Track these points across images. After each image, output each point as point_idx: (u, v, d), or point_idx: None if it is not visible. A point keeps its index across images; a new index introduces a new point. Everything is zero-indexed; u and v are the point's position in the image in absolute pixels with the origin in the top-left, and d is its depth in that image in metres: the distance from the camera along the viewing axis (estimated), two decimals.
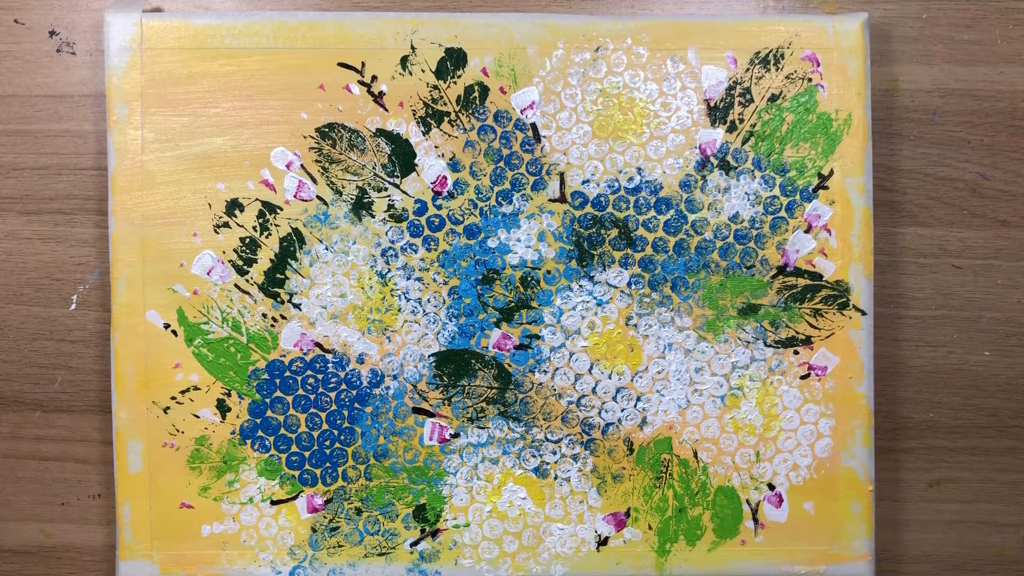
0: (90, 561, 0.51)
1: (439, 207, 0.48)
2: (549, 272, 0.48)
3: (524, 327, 0.49)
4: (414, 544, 0.49)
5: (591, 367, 0.49)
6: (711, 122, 0.48)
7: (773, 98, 0.48)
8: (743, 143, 0.48)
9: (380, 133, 0.48)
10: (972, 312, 0.51)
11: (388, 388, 0.49)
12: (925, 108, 0.50)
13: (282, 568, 0.49)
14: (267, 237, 0.48)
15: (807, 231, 0.48)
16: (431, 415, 0.49)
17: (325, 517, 0.49)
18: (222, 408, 0.48)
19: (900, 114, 0.50)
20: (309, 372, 0.48)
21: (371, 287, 0.48)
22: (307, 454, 0.49)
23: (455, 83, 0.48)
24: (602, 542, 0.49)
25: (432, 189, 0.48)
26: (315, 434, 0.49)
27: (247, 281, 0.48)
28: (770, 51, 0.48)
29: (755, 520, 0.49)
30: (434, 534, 0.49)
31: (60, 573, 0.51)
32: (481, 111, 0.48)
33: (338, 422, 0.49)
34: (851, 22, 0.48)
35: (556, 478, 0.49)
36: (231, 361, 0.48)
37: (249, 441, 0.48)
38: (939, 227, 0.50)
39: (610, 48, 0.48)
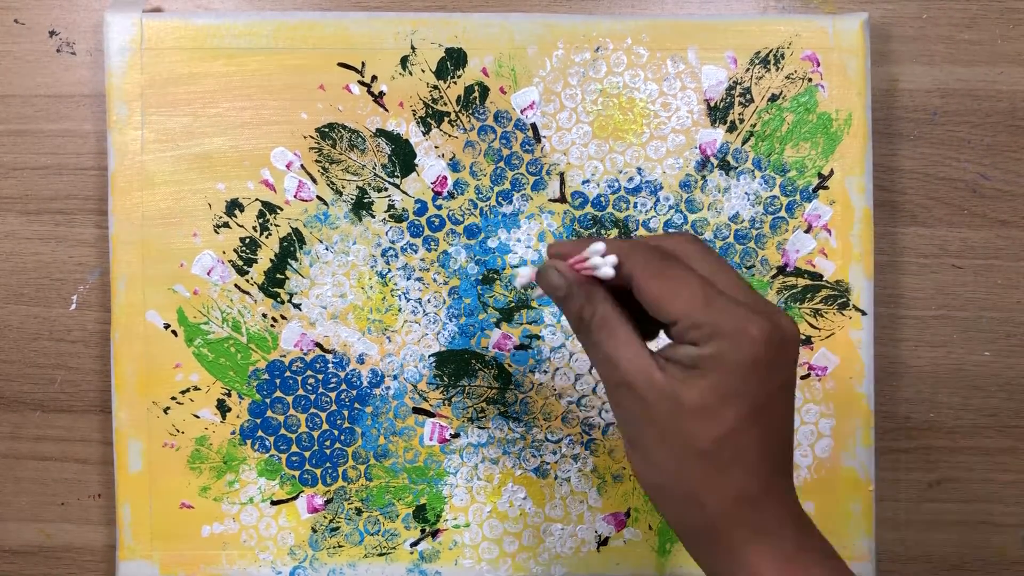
0: (90, 561, 0.51)
1: (439, 207, 0.48)
2: None
3: (524, 327, 0.49)
4: (414, 544, 0.49)
5: (591, 367, 0.49)
6: (711, 122, 0.48)
7: (773, 98, 0.48)
8: (743, 143, 0.48)
9: (380, 133, 0.48)
10: (972, 312, 0.51)
11: (388, 388, 0.49)
12: (925, 108, 0.50)
13: (282, 568, 0.49)
14: (267, 237, 0.48)
15: (807, 231, 0.48)
16: (431, 415, 0.49)
17: (325, 517, 0.49)
18: (222, 408, 0.48)
19: (900, 114, 0.50)
20: (309, 372, 0.48)
21: (371, 287, 0.48)
22: (307, 454, 0.49)
23: (455, 83, 0.48)
24: (602, 542, 0.49)
25: (432, 189, 0.48)
26: (315, 434, 0.49)
27: (247, 281, 0.48)
28: (770, 51, 0.48)
29: None
30: (434, 534, 0.49)
31: (60, 573, 0.51)
32: (481, 111, 0.48)
33: (338, 422, 0.49)
34: (851, 22, 0.48)
35: (556, 478, 0.49)
36: (231, 361, 0.48)
37: (249, 441, 0.48)
38: (939, 227, 0.50)
39: (610, 48, 0.48)
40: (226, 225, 0.48)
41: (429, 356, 0.49)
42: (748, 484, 0.32)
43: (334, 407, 0.49)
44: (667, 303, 0.32)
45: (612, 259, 0.33)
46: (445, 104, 0.48)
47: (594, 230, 0.48)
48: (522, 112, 0.48)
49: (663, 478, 0.33)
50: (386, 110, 0.48)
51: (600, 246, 0.33)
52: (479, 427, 0.49)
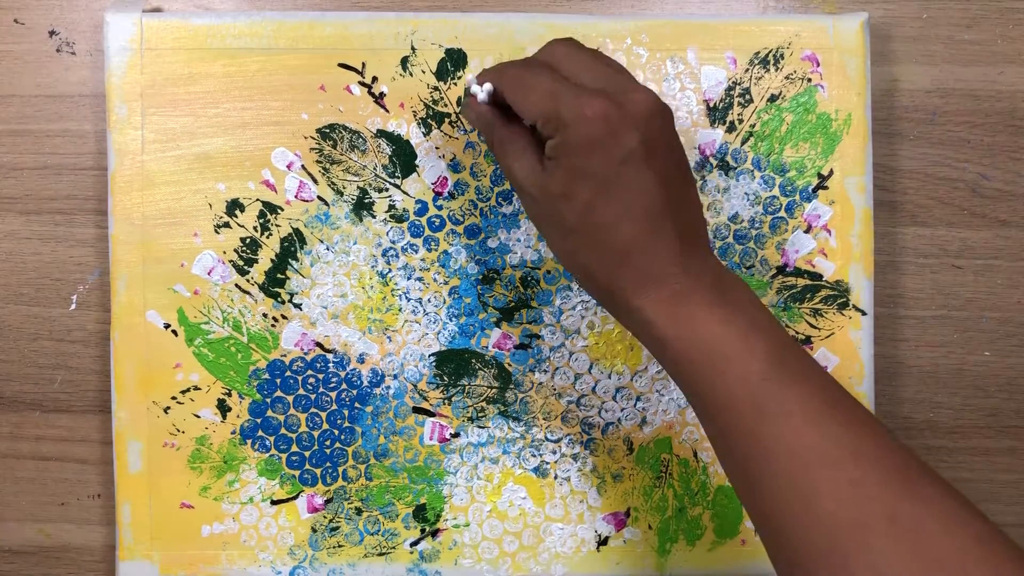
0: (90, 561, 0.51)
1: (440, 207, 0.48)
2: (549, 272, 0.48)
3: (524, 327, 0.49)
4: (414, 544, 0.49)
5: (591, 367, 0.49)
6: (710, 122, 0.48)
7: (773, 98, 0.48)
8: (743, 143, 0.48)
9: (381, 134, 0.48)
10: (972, 312, 0.51)
11: (388, 388, 0.49)
12: (925, 108, 0.50)
13: (282, 568, 0.49)
14: (268, 237, 0.48)
15: (807, 231, 0.48)
16: (431, 415, 0.49)
17: (325, 517, 0.49)
18: (222, 408, 0.48)
19: (900, 114, 0.50)
20: (310, 372, 0.48)
21: (372, 287, 0.48)
22: (307, 454, 0.49)
23: (455, 84, 0.48)
24: (602, 542, 0.49)
25: (433, 190, 0.48)
26: (315, 434, 0.49)
27: (248, 281, 0.48)
28: (770, 51, 0.48)
29: None
30: (434, 534, 0.49)
31: (60, 573, 0.51)
32: None
33: (338, 422, 0.49)
34: (851, 22, 0.48)
35: (556, 478, 0.49)
36: (232, 361, 0.48)
37: (249, 441, 0.48)
38: (939, 227, 0.51)
39: (610, 48, 0.48)
40: (227, 225, 0.48)
41: (429, 356, 0.49)
42: (622, 249, 0.35)
43: (334, 407, 0.49)
44: (524, 107, 0.36)
45: (487, 86, 0.38)
46: (446, 105, 0.48)
47: None
48: None
49: (564, 261, 0.38)
50: (387, 111, 0.48)
51: (471, 76, 0.39)
52: (479, 427, 0.49)
